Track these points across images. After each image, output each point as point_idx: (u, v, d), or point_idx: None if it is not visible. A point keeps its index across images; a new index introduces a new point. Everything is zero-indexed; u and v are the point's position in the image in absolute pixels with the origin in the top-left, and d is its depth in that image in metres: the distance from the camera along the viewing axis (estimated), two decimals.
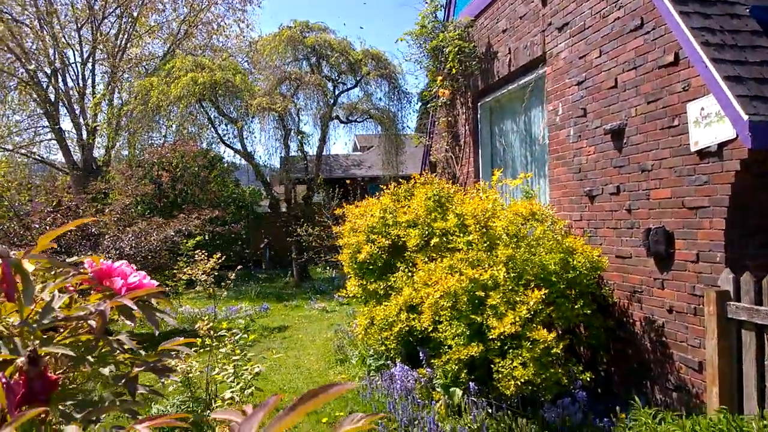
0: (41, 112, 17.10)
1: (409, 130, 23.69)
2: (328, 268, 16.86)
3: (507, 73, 6.45)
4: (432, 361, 4.92)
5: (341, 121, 19.77)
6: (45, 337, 0.93)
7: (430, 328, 4.77)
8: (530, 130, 6.52)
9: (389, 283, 5.63)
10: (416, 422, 4.40)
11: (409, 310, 5.22)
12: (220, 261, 7.34)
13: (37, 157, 17.49)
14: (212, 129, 17.34)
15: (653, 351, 4.37)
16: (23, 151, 17.51)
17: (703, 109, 3.89)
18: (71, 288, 1.10)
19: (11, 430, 0.51)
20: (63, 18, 15.95)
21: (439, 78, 7.81)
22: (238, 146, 17.59)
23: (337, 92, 18.40)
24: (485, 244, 4.75)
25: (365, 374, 5.82)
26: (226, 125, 17.43)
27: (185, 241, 9.50)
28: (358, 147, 29.10)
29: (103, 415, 0.92)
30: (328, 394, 0.52)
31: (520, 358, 4.13)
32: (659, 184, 4.25)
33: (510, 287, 4.36)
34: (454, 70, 7.17)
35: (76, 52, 16.59)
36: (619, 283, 4.71)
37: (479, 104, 7.42)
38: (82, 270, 1.06)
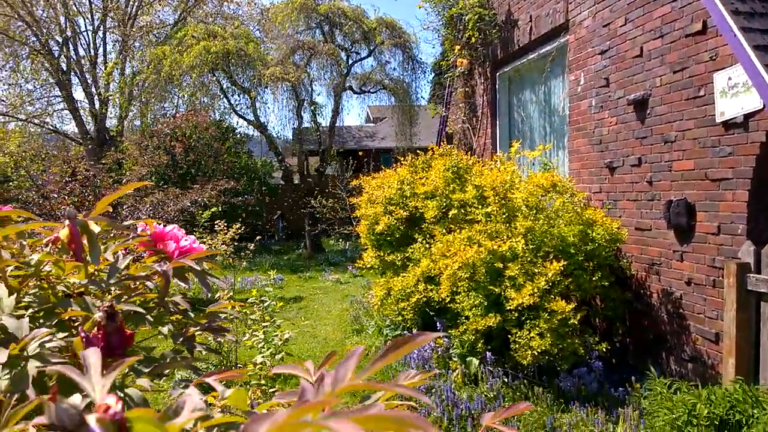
0: (53, 81, 17.10)
1: (422, 101, 23.49)
2: (340, 240, 16.95)
3: (527, 42, 6.36)
4: (449, 331, 4.97)
5: (354, 92, 19.62)
6: (116, 295, 0.95)
7: (448, 299, 4.81)
8: (550, 100, 6.45)
9: (407, 255, 5.67)
10: (434, 390, 4.47)
11: (426, 281, 5.26)
12: (239, 231, 7.41)
13: (50, 127, 17.54)
14: (224, 99, 17.28)
15: (670, 323, 4.39)
16: (36, 121, 17.57)
17: (730, 79, 3.83)
18: (123, 251, 1.13)
19: (115, 375, 0.53)
20: None
21: (457, 47, 7.71)
22: (251, 117, 17.53)
23: (350, 62, 18.24)
24: (504, 216, 4.75)
25: (382, 344, 5.90)
26: (238, 95, 17.36)
27: (201, 212, 9.57)
28: (371, 118, 28.94)
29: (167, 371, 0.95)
30: (415, 343, 0.54)
31: (537, 328, 4.17)
32: (682, 156, 4.21)
33: (528, 259, 4.38)
34: (473, 39, 7.07)
35: (86, 20, 16.50)
36: (637, 256, 4.71)
37: (498, 74, 7.33)
38: (141, 233, 1.09)
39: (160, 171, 13.99)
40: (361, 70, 18.91)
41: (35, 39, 15.63)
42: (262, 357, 3.52)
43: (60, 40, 16.11)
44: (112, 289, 1.15)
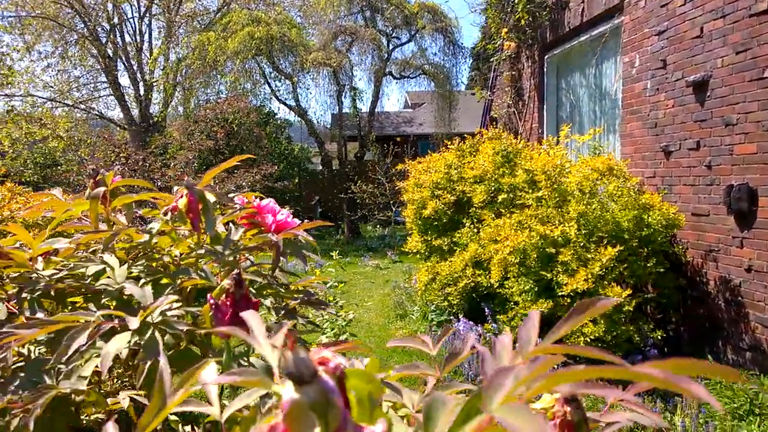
0: (99, 68, 17.52)
1: (463, 86, 23.08)
2: (378, 226, 16.98)
3: (579, 24, 6.20)
4: (497, 317, 4.95)
5: (394, 77, 19.49)
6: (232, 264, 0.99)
7: (497, 284, 4.79)
8: (600, 83, 6.30)
9: (454, 239, 5.65)
10: None
11: (474, 266, 5.24)
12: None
13: (96, 112, 18.01)
14: (266, 85, 17.44)
15: (728, 310, 4.27)
16: (82, 106, 18.04)
17: None
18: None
19: (282, 335, 0.56)
20: None
21: (504, 30, 7.59)
22: (292, 102, 17.64)
23: (390, 47, 18.14)
24: (555, 201, 4.68)
25: (427, 329, 5.91)
26: (279, 81, 17.48)
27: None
28: (409, 104, 28.78)
29: None
30: (596, 308, 0.54)
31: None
32: (744, 139, 4.07)
33: (581, 244, 4.31)
34: (522, 22, 6.94)
35: (133, 7, 16.83)
36: (693, 242, 4.59)
37: (546, 57, 7.19)
38: (246, 206, 1.11)
39: (203, 155, 14.24)
40: (401, 55, 18.79)
41: (83, 26, 16.03)
42: (326, 338, 3.56)
43: (107, 27, 16.47)
44: (202, 260, 1.19)
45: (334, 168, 18.28)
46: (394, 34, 18.53)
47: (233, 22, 14.11)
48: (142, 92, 16.50)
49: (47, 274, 0.99)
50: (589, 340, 4.09)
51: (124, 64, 16.84)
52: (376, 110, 19.41)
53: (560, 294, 4.23)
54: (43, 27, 15.29)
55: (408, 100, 29.05)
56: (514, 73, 7.85)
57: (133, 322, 0.81)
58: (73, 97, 17.86)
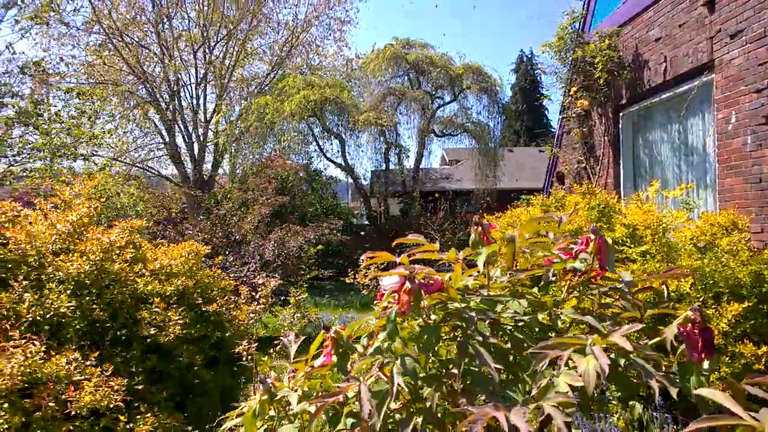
0: (157, 129, 18.33)
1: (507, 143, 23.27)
2: None
3: (661, 82, 6.31)
4: None
5: (436, 135, 19.93)
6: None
7: None
8: (686, 139, 6.34)
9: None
10: None
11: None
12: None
13: (153, 171, 18.65)
14: (315, 143, 17.98)
15: None
16: (141, 165, 18.75)
17: None
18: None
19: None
20: (182, 44, 17.09)
21: (573, 89, 7.76)
22: (340, 160, 18.10)
23: (434, 106, 18.64)
24: (662, 255, 4.65)
25: None
26: (327, 140, 18.02)
27: (309, 249, 9.89)
28: (447, 160, 29.22)
29: None
30: None
31: (716, 373, 4.00)
32: None
33: (700, 298, 4.24)
34: (601, 81, 7.10)
35: (191, 75, 17.67)
36: None
37: (621, 114, 7.29)
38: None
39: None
40: (443, 114, 19.30)
41: (145, 91, 16.87)
42: None
43: (167, 93, 17.30)
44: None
45: (381, 223, 18.48)
46: (437, 94, 19.05)
47: (289, 86, 14.73)
48: (196, 152, 17.10)
49: (471, 305, 1.10)
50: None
51: (179, 125, 17.57)
52: (420, 167, 19.72)
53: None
54: (111, 93, 16.12)
55: (445, 156, 29.51)
56: (584, 129, 7.96)
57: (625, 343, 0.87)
58: (132, 156, 18.61)
